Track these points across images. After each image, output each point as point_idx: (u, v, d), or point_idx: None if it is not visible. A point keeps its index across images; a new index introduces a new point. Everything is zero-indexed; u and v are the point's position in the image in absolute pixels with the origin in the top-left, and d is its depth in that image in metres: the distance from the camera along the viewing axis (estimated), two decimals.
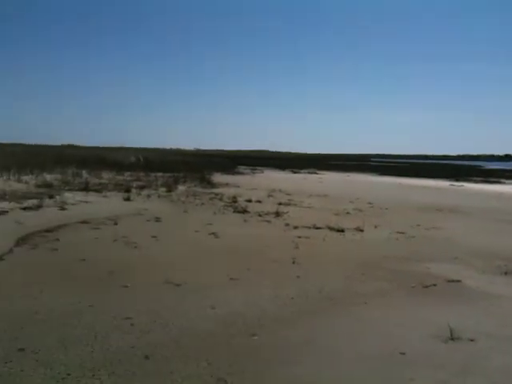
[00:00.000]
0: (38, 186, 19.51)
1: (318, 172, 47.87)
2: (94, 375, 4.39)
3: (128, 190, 19.37)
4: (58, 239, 10.33)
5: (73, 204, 15.45)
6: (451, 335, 5.58)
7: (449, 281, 8.16)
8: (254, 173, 42.47)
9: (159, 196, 19.28)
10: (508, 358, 5.09)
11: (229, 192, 21.56)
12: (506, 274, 8.80)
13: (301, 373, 4.63)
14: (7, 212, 13.16)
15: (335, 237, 11.91)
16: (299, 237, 11.57)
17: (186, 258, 9.23)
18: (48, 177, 23.14)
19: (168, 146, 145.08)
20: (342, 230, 12.58)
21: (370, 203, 19.32)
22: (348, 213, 16.26)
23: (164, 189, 21.57)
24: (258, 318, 6.03)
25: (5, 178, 21.30)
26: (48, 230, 11.21)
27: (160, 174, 29.64)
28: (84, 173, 26.48)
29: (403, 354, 5.11)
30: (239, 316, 6.09)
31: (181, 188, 22.67)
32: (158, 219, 13.53)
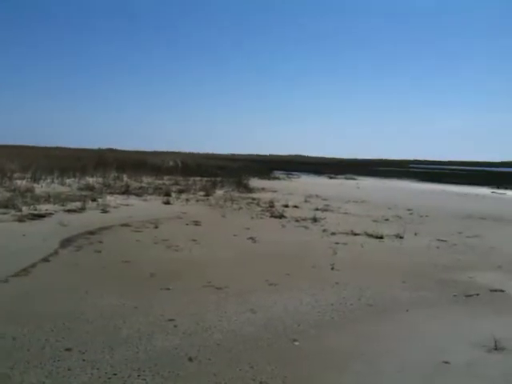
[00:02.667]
0: (81, 189, 20.11)
1: (355, 178, 47.44)
2: (139, 375, 4.51)
3: (167, 194, 19.74)
4: (101, 241, 10.63)
5: (114, 207, 15.86)
6: (495, 345, 5.48)
7: (492, 290, 7.99)
8: (290, 178, 42.43)
9: (197, 200, 19.54)
10: None
11: (265, 197, 21.65)
12: None
13: (343, 380, 4.64)
14: (52, 214, 13.61)
15: (374, 243, 11.82)
16: (337, 243, 11.53)
17: (225, 261, 9.35)
18: (90, 180, 23.80)
19: (203, 151, 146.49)
20: (381, 237, 12.47)
21: (409, 210, 19.06)
22: (387, 219, 16.08)
23: (202, 193, 21.85)
24: (298, 324, 6.07)
25: (49, 180, 22.01)
26: (91, 232, 11.54)
27: (198, 178, 30.02)
28: (124, 176, 27.08)
29: (447, 363, 5.05)
30: (279, 321, 6.14)
31: (218, 192, 22.91)
32: (197, 223, 13.73)
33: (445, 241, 12.40)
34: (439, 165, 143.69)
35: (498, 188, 38.93)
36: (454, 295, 7.66)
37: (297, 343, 5.45)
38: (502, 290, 8.02)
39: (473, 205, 23.14)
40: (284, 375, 4.64)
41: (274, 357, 5.04)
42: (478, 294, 7.72)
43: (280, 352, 5.18)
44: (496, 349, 5.45)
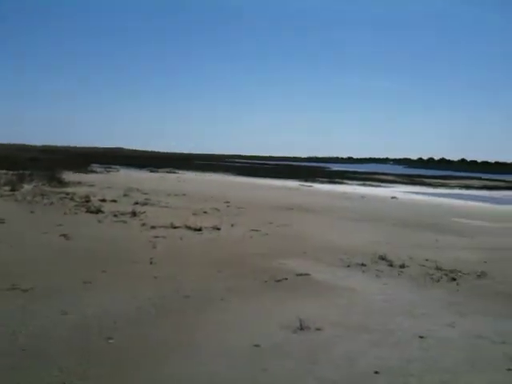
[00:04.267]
0: None
1: (176, 171, 47.68)
2: None
3: None
4: None
5: None
6: (300, 326, 5.98)
7: (298, 274, 8.71)
8: (108, 171, 40.91)
9: (1, 195, 17.71)
10: (351, 345, 5.58)
11: (81, 191, 20.54)
12: (348, 266, 9.63)
13: (160, 372, 4.62)
14: None
15: (193, 236, 12.01)
16: (156, 236, 11.46)
17: (33, 261, 8.61)
18: None
19: (13, 141, 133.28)
20: (200, 229, 12.73)
21: (226, 202, 19.78)
22: (206, 212, 16.47)
23: (7, 187, 19.86)
24: (114, 321, 5.87)
25: None
26: None
27: (3, 171, 27.22)
28: None
29: (258, 346, 5.36)
30: (94, 320, 5.86)
31: (27, 187, 21.05)
32: (0, 220, 12.42)
33: (258, 231, 13.15)
34: (252, 159, 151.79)
35: (306, 181, 42.67)
36: (265, 281, 8.16)
37: (111, 341, 5.26)
38: (307, 274, 8.78)
39: (284, 197, 24.97)
40: (98, 374, 4.45)
41: (87, 358, 4.80)
42: (286, 279, 8.34)
43: (93, 352, 4.95)
44: (301, 329, 5.94)
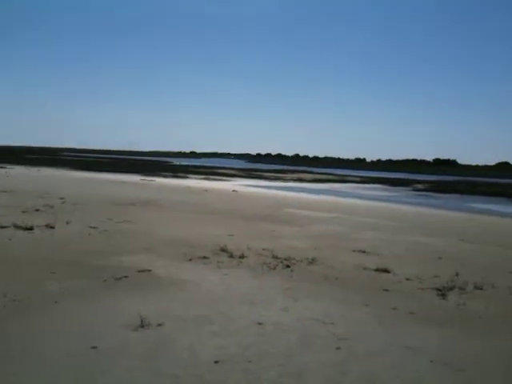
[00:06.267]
0: None
1: (4, 166, 43.38)
2: None
3: None
4: None
5: None
6: (142, 323, 5.87)
7: (140, 271, 8.53)
8: None
9: None
10: (193, 337, 5.63)
11: None
12: (190, 260, 9.70)
13: None
14: None
15: (23, 236, 11.06)
16: None
17: None
18: None
19: None
20: (31, 228, 11.77)
21: (61, 198, 18.59)
22: (38, 210, 15.26)
23: None
24: None
25: None
26: None
27: None
28: None
29: (95, 347, 5.13)
30: None
31: None
32: None
33: (96, 228, 12.59)
34: (93, 153, 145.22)
35: (148, 175, 41.96)
36: (105, 280, 7.85)
37: None
38: (149, 270, 8.64)
39: (125, 192, 24.24)
40: None
41: None
42: (126, 276, 8.11)
43: None
44: (142, 326, 5.83)
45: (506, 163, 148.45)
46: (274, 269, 9.34)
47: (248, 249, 10.95)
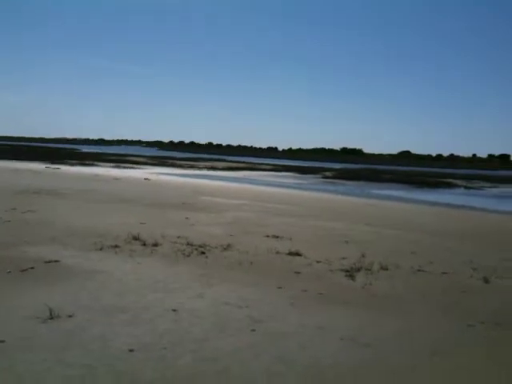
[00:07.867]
0: None
1: None
2: None
3: None
4: None
5: None
6: (51, 314, 5.64)
7: (47, 262, 8.16)
8: None
9: None
10: (105, 327, 5.48)
11: None
12: (101, 249, 9.41)
13: None
14: None
15: None
16: None
17: None
18: None
19: None
20: None
21: None
22: None
23: None
24: None
25: None
26: None
27: None
28: None
29: (3, 341, 4.86)
30: None
31: None
32: None
33: None
34: None
35: (53, 163, 39.98)
36: (9, 271, 7.43)
37: None
38: (56, 261, 8.28)
39: (29, 180, 22.96)
40: None
41: None
42: (33, 268, 7.73)
43: None
44: (51, 318, 5.59)
45: (407, 152, 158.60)
46: (189, 256, 9.31)
47: (162, 237, 10.82)
